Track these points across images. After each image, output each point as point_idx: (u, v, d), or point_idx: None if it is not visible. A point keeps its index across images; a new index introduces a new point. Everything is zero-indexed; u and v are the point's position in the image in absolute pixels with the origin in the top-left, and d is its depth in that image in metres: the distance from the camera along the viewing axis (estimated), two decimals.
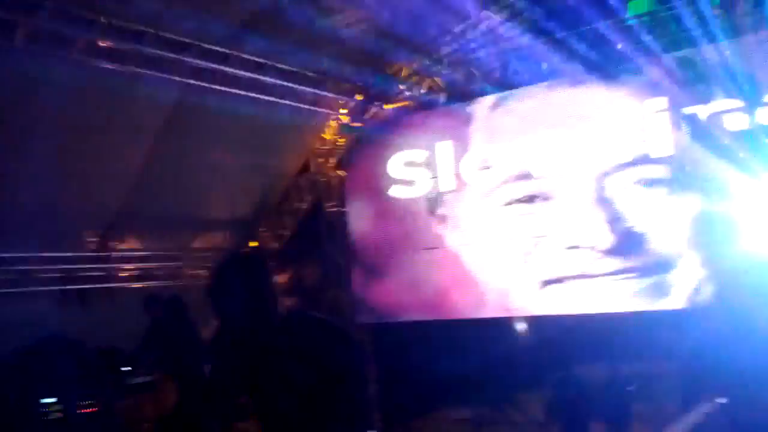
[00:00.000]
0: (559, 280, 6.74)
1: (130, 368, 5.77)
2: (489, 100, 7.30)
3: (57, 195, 6.59)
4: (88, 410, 4.75)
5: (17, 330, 5.40)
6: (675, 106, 6.09)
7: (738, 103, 5.41)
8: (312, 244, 8.51)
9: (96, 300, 7.31)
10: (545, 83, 6.94)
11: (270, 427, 3.03)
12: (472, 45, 7.11)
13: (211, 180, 7.82)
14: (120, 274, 7.72)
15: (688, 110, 5.77)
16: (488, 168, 7.31)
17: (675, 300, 6.02)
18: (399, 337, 7.53)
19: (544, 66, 6.87)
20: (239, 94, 6.87)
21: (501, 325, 6.98)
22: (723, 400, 2.63)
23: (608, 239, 6.48)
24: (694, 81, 5.85)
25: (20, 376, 4.54)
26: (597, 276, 6.50)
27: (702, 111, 5.78)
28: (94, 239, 7.49)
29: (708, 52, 5.74)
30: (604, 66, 6.35)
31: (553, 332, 6.52)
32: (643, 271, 6.29)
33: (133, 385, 5.57)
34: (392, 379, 7.28)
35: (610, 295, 6.43)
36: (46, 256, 7.00)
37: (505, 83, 7.27)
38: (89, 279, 7.37)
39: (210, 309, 3.04)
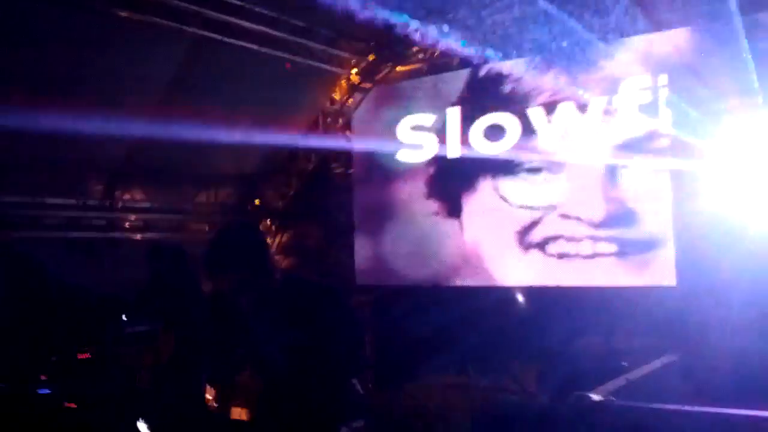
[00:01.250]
0: (559, 254, 6.74)
1: (129, 317, 5.81)
2: (502, 66, 7.20)
3: (63, 143, 6.58)
4: (84, 356, 4.80)
5: (20, 274, 5.43)
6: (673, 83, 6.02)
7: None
8: (316, 205, 8.49)
9: (99, 248, 7.35)
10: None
11: (267, 381, 3.07)
12: (489, 9, 6.98)
13: (218, 135, 7.78)
14: (124, 224, 7.75)
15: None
16: (497, 136, 7.25)
17: (664, 276, 6.00)
18: (397, 301, 7.56)
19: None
20: (251, 49, 6.80)
21: (499, 294, 6.99)
22: (674, 357, 2.79)
23: (606, 213, 6.47)
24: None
25: (18, 321, 4.58)
26: (595, 250, 6.50)
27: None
28: (100, 188, 7.50)
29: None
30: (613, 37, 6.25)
31: (551, 304, 6.53)
32: (637, 247, 6.29)
33: (132, 333, 5.60)
34: (387, 342, 7.33)
35: (607, 269, 6.44)
36: (50, 202, 7.03)
37: (520, 50, 7.15)
38: (93, 227, 7.41)
39: (208, 275, 3.08)
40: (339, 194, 8.37)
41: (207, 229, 8.16)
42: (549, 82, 6.86)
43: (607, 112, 6.58)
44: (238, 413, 3.37)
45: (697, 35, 6.05)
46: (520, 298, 7.06)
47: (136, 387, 4.22)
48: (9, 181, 6.54)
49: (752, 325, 2.67)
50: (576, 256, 6.68)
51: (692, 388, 2.67)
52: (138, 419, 2.28)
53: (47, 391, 2.96)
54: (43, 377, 3.61)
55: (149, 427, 2.27)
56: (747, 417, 2.01)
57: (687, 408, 2.27)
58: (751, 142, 4.50)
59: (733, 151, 4.30)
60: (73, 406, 2.63)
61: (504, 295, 7.04)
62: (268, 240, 8.25)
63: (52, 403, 2.62)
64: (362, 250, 8.07)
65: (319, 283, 3.14)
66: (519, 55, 7.02)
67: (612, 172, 6.53)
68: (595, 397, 2.22)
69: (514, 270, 7.06)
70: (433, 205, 7.65)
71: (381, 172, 8.05)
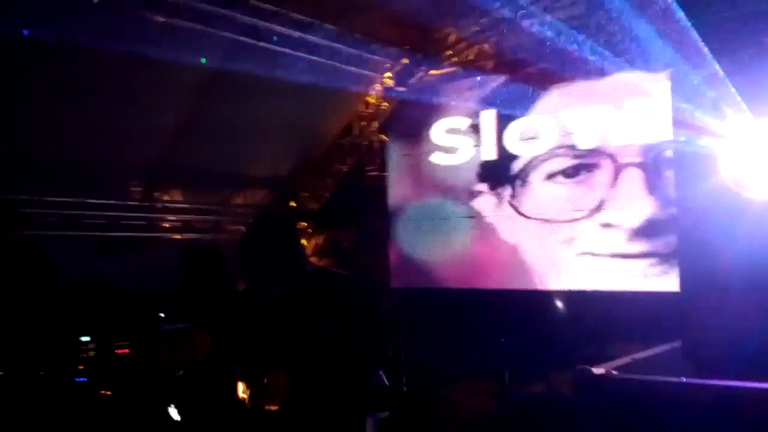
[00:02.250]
0: (596, 259, 6.66)
1: (165, 315, 5.90)
2: (538, 69, 7.16)
3: (103, 145, 6.73)
4: (122, 351, 4.90)
5: (60, 272, 5.56)
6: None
7: None
8: (351, 208, 8.53)
9: (137, 248, 7.49)
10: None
11: (297, 379, 3.11)
12: (524, 12, 6.95)
13: (253, 138, 7.88)
14: (162, 225, 7.89)
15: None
16: (532, 139, 7.21)
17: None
18: (431, 304, 7.55)
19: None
20: (286, 53, 6.87)
21: (533, 299, 6.93)
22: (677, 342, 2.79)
23: (643, 218, 6.38)
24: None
25: (60, 314, 4.70)
26: (630, 256, 6.40)
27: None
28: (138, 189, 7.65)
29: None
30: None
31: (590, 308, 6.44)
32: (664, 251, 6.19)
33: (167, 331, 5.69)
34: (420, 345, 7.33)
35: (639, 274, 6.34)
36: (91, 202, 7.19)
37: (556, 54, 7.10)
38: (132, 227, 7.56)
39: (240, 268, 3.13)
40: (373, 197, 8.40)
41: (243, 230, 8.24)
42: (584, 84, 6.80)
43: (644, 114, 6.49)
44: (269, 408, 3.40)
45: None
46: (558, 303, 6.99)
47: (170, 379, 4.29)
48: (51, 181, 6.72)
49: (753, 306, 2.65)
50: (612, 261, 6.59)
51: (693, 367, 2.65)
52: (170, 405, 2.33)
53: (84, 379, 3.04)
54: (80, 367, 3.71)
55: (180, 413, 2.31)
56: (747, 389, 1.99)
57: (688, 381, 2.25)
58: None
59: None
60: (109, 393, 2.70)
61: (542, 299, 6.97)
62: (303, 241, 8.31)
63: (88, 390, 2.69)
64: (396, 252, 8.08)
65: (347, 276, 3.19)
66: (555, 57, 6.99)
67: (649, 174, 6.43)
68: (597, 370, 2.22)
69: (552, 274, 6.99)
70: (468, 208, 7.62)
71: (415, 175, 8.06)
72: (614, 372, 2.25)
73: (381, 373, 2.62)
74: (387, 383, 2.55)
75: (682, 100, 5.77)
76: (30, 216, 6.64)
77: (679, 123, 5.85)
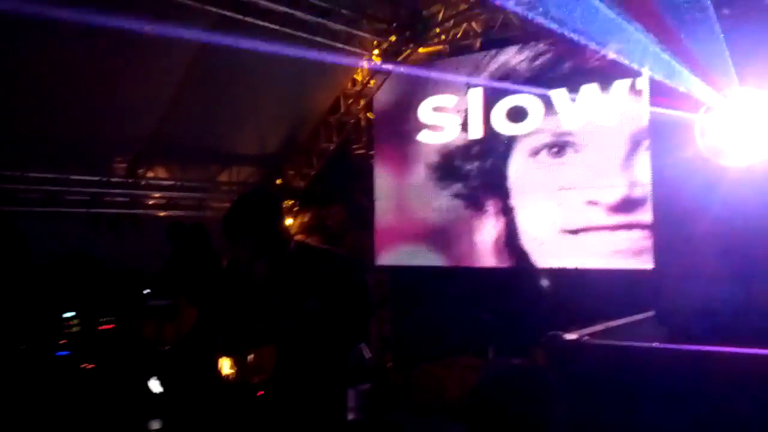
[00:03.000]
0: (578, 233, 6.71)
1: (151, 291, 5.91)
2: (524, 47, 7.15)
3: (88, 121, 6.67)
4: (106, 327, 4.91)
5: (45, 248, 5.54)
6: None
7: None
8: (337, 185, 8.52)
9: (122, 225, 7.45)
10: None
11: (282, 351, 3.14)
12: None
13: (240, 115, 7.83)
14: (147, 201, 7.85)
15: None
16: (519, 117, 7.21)
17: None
18: (417, 282, 7.59)
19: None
20: (273, 29, 6.81)
21: (518, 276, 6.98)
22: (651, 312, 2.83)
23: (625, 197, 6.42)
24: None
25: (43, 289, 4.69)
26: (613, 234, 6.46)
27: None
28: (123, 165, 7.60)
29: None
30: None
31: (571, 286, 6.49)
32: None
33: (153, 307, 5.71)
34: (407, 321, 7.37)
35: (621, 251, 6.39)
36: (75, 179, 7.13)
37: (542, 32, 7.07)
38: (117, 204, 7.52)
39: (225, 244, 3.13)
40: (360, 175, 8.39)
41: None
42: (572, 64, 6.80)
43: (631, 93, 6.50)
44: (255, 382, 3.42)
45: None
46: (540, 280, 7.03)
47: (155, 353, 4.31)
48: (34, 157, 6.66)
49: (726, 273, 2.68)
50: (595, 239, 6.64)
51: (667, 334, 2.69)
52: (151, 378, 2.34)
53: (66, 353, 3.05)
54: (63, 342, 3.70)
55: (161, 385, 2.33)
56: (723, 353, 2.02)
57: (660, 345, 2.28)
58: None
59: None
60: (91, 366, 2.70)
61: (526, 276, 7.01)
62: (290, 219, 8.30)
63: (71, 363, 2.70)
64: (382, 230, 8.10)
65: (329, 251, 3.21)
66: (542, 37, 6.98)
67: (633, 154, 6.46)
68: (569, 336, 2.24)
69: (535, 252, 7.03)
70: (454, 187, 7.64)
71: (402, 153, 8.06)
72: (586, 338, 2.27)
73: (363, 346, 2.64)
74: (368, 356, 2.57)
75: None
76: (14, 192, 6.60)
77: (657, 92, 5.85)
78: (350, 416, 2.61)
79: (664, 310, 2.80)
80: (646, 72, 6.33)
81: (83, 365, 2.72)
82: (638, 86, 6.45)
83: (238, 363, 3.44)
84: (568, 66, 6.88)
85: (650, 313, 2.85)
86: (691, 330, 2.62)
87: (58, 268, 5.28)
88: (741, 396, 1.93)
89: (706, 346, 2.06)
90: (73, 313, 4.67)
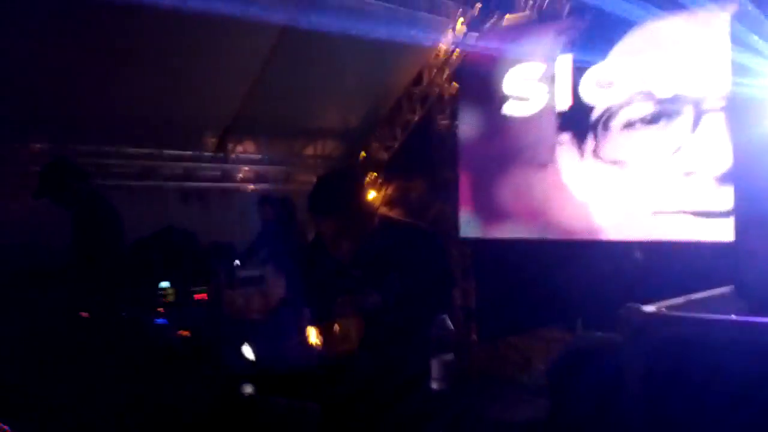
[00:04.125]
0: (672, 208, 6.45)
1: (241, 262, 6.10)
2: (614, 14, 6.85)
3: (180, 99, 6.89)
4: (199, 296, 5.11)
5: (140, 220, 5.80)
6: None
7: None
8: (421, 158, 8.50)
9: (213, 198, 7.70)
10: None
11: (369, 326, 3.19)
12: None
13: (324, 89, 7.90)
14: (236, 175, 8.07)
15: None
16: (610, 85, 6.96)
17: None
18: (502, 254, 7.50)
19: None
20: (357, 0, 6.81)
21: (606, 248, 6.78)
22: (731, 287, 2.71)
23: (723, 167, 6.11)
24: None
25: (140, 261, 4.92)
26: (709, 207, 6.16)
27: None
28: (214, 140, 7.83)
29: None
30: None
31: (662, 259, 6.26)
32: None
33: (243, 278, 5.89)
34: (492, 294, 7.31)
35: (716, 225, 6.10)
36: (168, 153, 7.41)
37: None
38: (208, 178, 7.77)
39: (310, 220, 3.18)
40: (444, 147, 8.33)
41: (314, 181, 8.35)
42: (661, 27, 6.49)
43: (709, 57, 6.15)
44: (341, 351, 3.48)
45: None
46: (631, 253, 6.82)
47: (246, 322, 4.45)
48: (130, 133, 6.94)
49: None
50: (690, 212, 6.37)
51: (747, 308, 2.57)
52: (244, 344, 2.44)
53: (164, 321, 3.20)
54: (160, 310, 3.88)
55: (254, 352, 2.42)
56: None
57: (740, 318, 2.17)
58: None
59: None
60: (187, 334, 2.84)
61: (615, 249, 6.82)
62: (374, 192, 8.36)
63: (168, 331, 2.84)
64: (466, 202, 8.02)
65: (412, 224, 3.24)
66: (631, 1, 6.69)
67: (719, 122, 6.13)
68: (648, 308, 2.16)
69: (625, 224, 6.81)
70: (541, 159, 7.46)
71: (487, 124, 7.92)
72: (664, 310, 2.20)
73: (445, 317, 2.64)
74: (452, 327, 2.58)
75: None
76: (111, 167, 6.91)
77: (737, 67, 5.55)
78: (434, 386, 2.62)
79: (744, 284, 2.69)
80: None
81: (179, 332, 2.85)
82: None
83: (324, 333, 3.51)
84: (657, 29, 6.57)
85: (730, 287, 2.74)
86: None
87: (154, 240, 5.51)
88: None
89: None
90: (168, 284, 4.88)
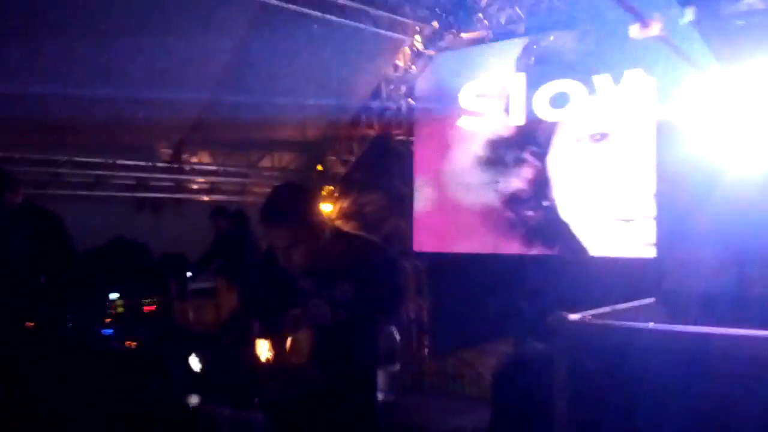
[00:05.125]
0: (618, 223, 6.61)
1: (193, 274, 6.04)
2: (568, 33, 7.04)
3: (133, 107, 6.82)
4: (149, 308, 5.04)
5: (91, 230, 5.71)
6: None
7: None
8: (377, 172, 8.54)
9: (166, 209, 7.62)
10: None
11: (319, 338, 3.20)
12: None
13: (282, 101, 7.90)
14: (191, 186, 8.00)
15: None
16: (561, 103, 7.12)
17: None
18: (455, 268, 7.58)
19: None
20: (315, 15, 6.85)
21: (558, 263, 6.91)
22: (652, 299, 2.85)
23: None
24: None
25: (89, 271, 4.83)
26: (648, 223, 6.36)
27: None
28: (168, 151, 7.76)
29: None
30: None
31: (612, 273, 6.40)
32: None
33: (194, 290, 5.84)
34: (445, 308, 7.37)
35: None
36: (122, 163, 7.31)
37: (588, 17, 6.96)
38: (161, 188, 7.69)
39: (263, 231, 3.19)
40: (400, 161, 8.39)
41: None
42: (615, 47, 6.68)
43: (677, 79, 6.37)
44: (291, 363, 3.48)
45: None
46: (579, 267, 6.95)
47: (195, 334, 4.41)
48: (83, 142, 6.84)
49: (722, 268, 2.69)
50: (634, 227, 6.53)
51: (667, 316, 2.70)
52: (191, 355, 2.42)
53: (110, 331, 3.15)
54: (107, 320, 3.82)
55: (200, 361, 2.40)
56: (719, 334, 2.02)
57: (658, 326, 2.28)
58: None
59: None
60: (134, 345, 2.80)
61: (563, 264, 6.94)
62: (330, 204, 8.37)
63: (114, 342, 2.80)
64: (421, 217, 8.08)
65: (363, 237, 3.28)
66: (585, 22, 6.86)
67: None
68: (574, 316, 2.26)
69: (574, 240, 6.96)
70: (494, 173, 7.58)
71: (442, 139, 8.01)
72: (590, 318, 2.29)
73: (393, 329, 2.68)
74: (398, 339, 2.61)
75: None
76: (62, 176, 6.79)
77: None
78: (380, 396, 2.65)
79: (665, 295, 2.82)
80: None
81: (126, 343, 2.81)
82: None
83: (275, 345, 3.50)
84: (610, 49, 6.75)
85: (654, 298, 2.86)
86: (689, 315, 2.64)
87: (104, 251, 5.43)
88: (735, 377, 1.95)
89: (706, 328, 2.08)
90: (117, 295, 4.81)
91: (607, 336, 2.23)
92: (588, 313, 2.31)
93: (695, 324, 2.20)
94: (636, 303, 2.78)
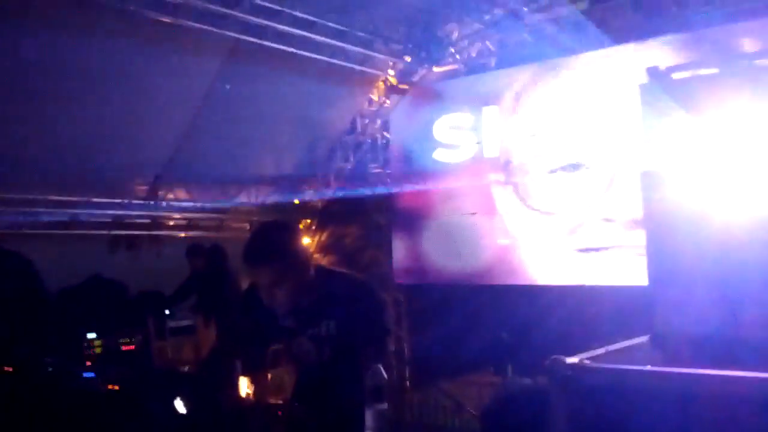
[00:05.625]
0: (597, 255, 6.69)
1: (170, 312, 5.99)
2: (539, 66, 7.19)
3: (109, 144, 6.80)
4: (127, 347, 4.98)
5: (66, 270, 5.64)
6: None
7: None
8: (354, 205, 8.58)
9: (142, 246, 7.55)
10: (601, 50, 6.78)
11: (304, 376, 3.20)
12: (525, 9, 6.99)
13: (258, 137, 7.94)
14: (167, 223, 7.96)
15: None
16: (534, 135, 7.24)
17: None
18: (434, 299, 7.61)
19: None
20: (289, 52, 6.91)
21: (535, 294, 6.97)
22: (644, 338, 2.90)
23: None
24: None
25: (65, 311, 4.77)
26: (631, 252, 6.43)
27: None
28: (144, 187, 7.71)
29: None
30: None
31: (592, 304, 6.47)
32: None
33: (172, 327, 5.78)
34: (424, 340, 7.37)
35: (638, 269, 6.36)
36: (96, 201, 7.25)
37: (559, 49, 7.12)
38: (137, 226, 7.63)
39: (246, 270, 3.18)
40: (377, 194, 8.45)
41: (248, 228, 8.32)
42: (593, 79, 6.83)
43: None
44: (273, 402, 3.47)
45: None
46: (559, 297, 7.02)
47: (176, 374, 4.36)
48: (56, 180, 6.78)
49: (714, 309, 2.77)
50: (614, 257, 6.62)
51: (661, 357, 2.77)
52: (176, 398, 2.40)
53: (91, 374, 3.11)
54: (88, 363, 3.77)
55: (185, 406, 2.38)
56: (712, 376, 2.08)
57: (658, 369, 2.34)
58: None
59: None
60: (116, 388, 2.77)
61: (544, 294, 7.00)
62: (308, 239, 8.37)
63: (96, 384, 2.76)
64: (399, 249, 8.13)
65: (348, 274, 3.29)
66: (554, 55, 7.02)
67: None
68: (571, 360, 2.30)
69: (553, 270, 7.03)
70: (470, 205, 7.66)
71: (418, 172, 8.10)
72: (586, 361, 2.34)
73: (380, 366, 2.68)
74: (385, 377, 2.62)
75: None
76: (35, 215, 6.72)
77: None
78: None
79: (658, 335, 2.88)
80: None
81: (108, 386, 2.78)
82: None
83: (257, 383, 3.49)
84: (580, 82, 6.91)
85: (647, 337, 2.92)
86: (682, 355, 2.69)
87: (80, 290, 5.37)
88: (729, 417, 2.00)
89: (701, 369, 2.13)
90: (94, 335, 4.74)
91: (603, 378, 2.27)
92: (584, 356, 2.35)
93: (689, 365, 2.25)
94: (630, 342, 2.83)
